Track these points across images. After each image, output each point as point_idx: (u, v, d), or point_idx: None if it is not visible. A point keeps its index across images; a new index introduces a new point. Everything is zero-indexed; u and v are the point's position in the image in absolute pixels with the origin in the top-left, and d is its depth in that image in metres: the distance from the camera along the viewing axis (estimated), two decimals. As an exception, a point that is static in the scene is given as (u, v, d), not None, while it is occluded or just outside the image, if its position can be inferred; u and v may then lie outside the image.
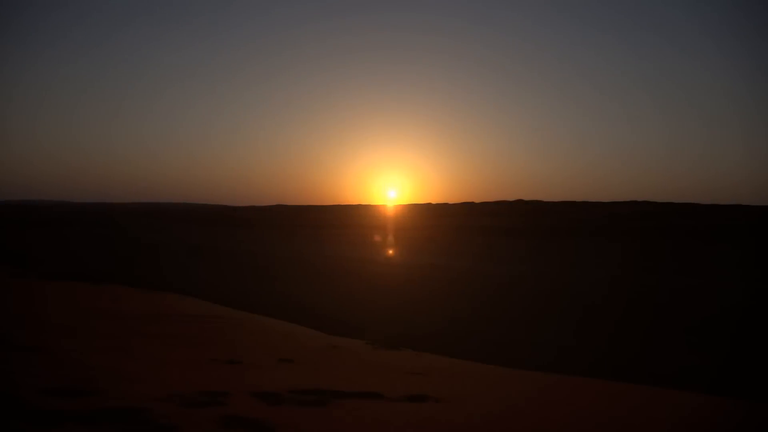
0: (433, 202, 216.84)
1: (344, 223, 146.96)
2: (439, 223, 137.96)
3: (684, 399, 10.01)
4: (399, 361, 11.75)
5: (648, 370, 16.32)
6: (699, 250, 73.78)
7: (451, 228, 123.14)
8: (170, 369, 7.73)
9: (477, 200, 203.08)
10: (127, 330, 12.82)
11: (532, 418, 6.68)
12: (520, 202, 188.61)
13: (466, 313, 26.23)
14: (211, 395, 5.82)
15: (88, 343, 9.45)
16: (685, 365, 17.20)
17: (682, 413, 8.40)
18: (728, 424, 8.26)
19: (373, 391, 7.28)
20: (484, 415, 6.54)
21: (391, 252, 66.28)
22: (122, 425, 4.40)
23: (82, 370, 6.40)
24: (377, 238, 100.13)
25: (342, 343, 15.15)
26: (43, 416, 4.34)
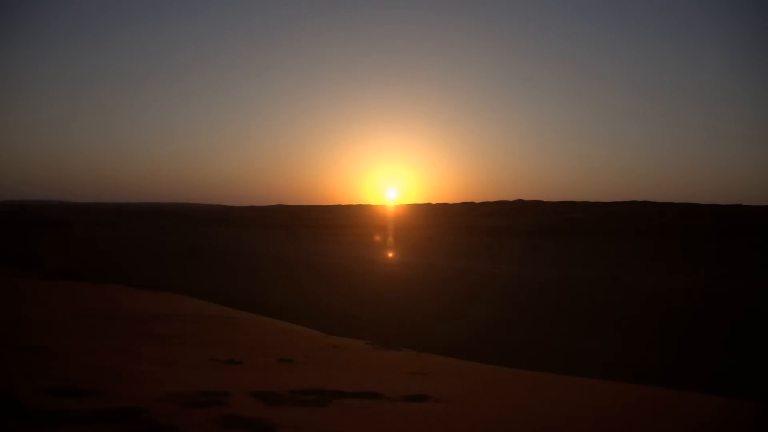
0: (433, 202, 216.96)
1: (344, 223, 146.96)
2: (438, 223, 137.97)
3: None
4: (399, 361, 11.75)
5: (658, 372, 16.32)
6: (699, 250, 73.78)
7: (451, 228, 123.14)
8: (170, 369, 7.72)
9: (477, 200, 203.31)
10: (126, 330, 12.81)
11: (533, 418, 6.67)
12: (519, 202, 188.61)
13: (466, 314, 26.22)
14: (211, 395, 5.81)
15: (88, 343, 9.44)
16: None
17: (694, 417, 8.39)
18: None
19: (373, 391, 7.27)
20: (484, 415, 6.54)
21: (391, 252, 66.31)
22: (122, 425, 4.40)
23: (82, 370, 6.40)
24: (377, 237, 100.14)
25: (342, 343, 15.15)
26: (43, 416, 4.34)
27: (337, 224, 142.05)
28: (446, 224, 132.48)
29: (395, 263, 53.88)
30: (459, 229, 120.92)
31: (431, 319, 24.34)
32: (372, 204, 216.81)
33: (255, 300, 27.84)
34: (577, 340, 20.80)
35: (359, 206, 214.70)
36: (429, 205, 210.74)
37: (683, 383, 13.55)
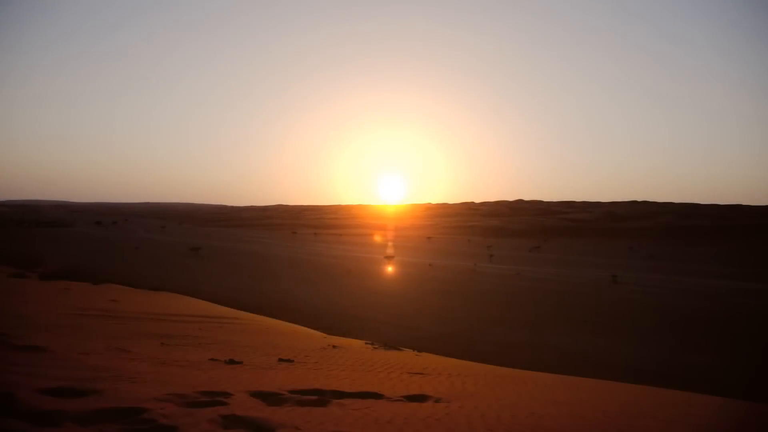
0: (433, 202, 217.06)
1: (344, 223, 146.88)
2: (438, 222, 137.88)
3: (693, 400, 10.01)
4: (399, 361, 11.75)
5: (658, 371, 16.33)
6: (697, 250, 73.74)
7: (451, 228, 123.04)
8: (170, 369, 7.72)
9: (477, 200, 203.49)
10: (126, 330, 12.81)
11: (533, 418, 6.67)
12: (519, 202, 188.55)
13: (466, 313, 26.23)
14: (211, 395, 5.81)
15: (87, 343, 9.44)
16: (693, 366, 17.18)
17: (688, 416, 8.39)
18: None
19: (373, 391, 7.27)
20: (484, 415, 6.54)
21: (390, 252, 66.27)
22: (122, 425, 4.40)
23: (82, 370, 6.40)
24: (377, 238, 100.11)
25: (342, 343, 15.15)
26: (43, 416, 4.34)
27: (337, 224, 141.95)
28: (446, 224, 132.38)
29: (395, 263, 53.86)
30: (459, 229, 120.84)
31: (431, 319, 24.34)
32: (372, 204, 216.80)
33: (255, 300, 27.84)
34: (577, 340, 20.79)
35: (359, 206, 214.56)
36: (429, 205, 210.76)
37: (683, 382, 13.56)
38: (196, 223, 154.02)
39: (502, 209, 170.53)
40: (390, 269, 48.30)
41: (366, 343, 15.81)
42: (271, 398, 6.14)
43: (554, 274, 44.70)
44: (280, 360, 10.14)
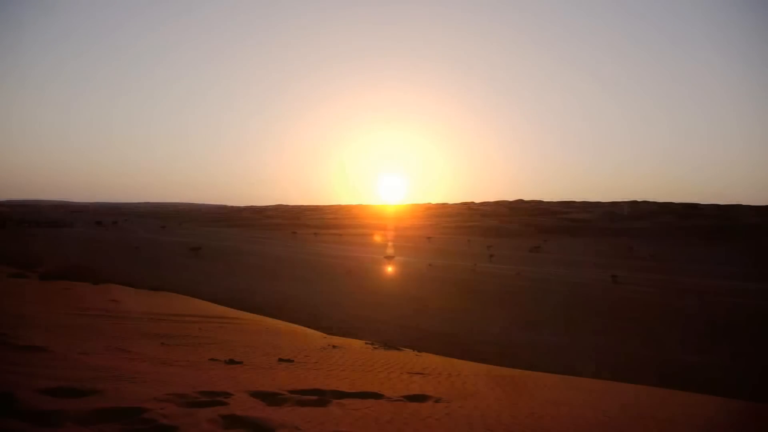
0: (433, 202, 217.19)
1: (344, 223, 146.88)
2: (438, 222, 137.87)
3: (691, 400, 10.01)
4: (399, 361, 11.75)
5: (657, 370, 16.33)
6: (698, 250, 73.72)
7: (451, 228, 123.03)
8: (170, 369, 7.71)
9: (476, 200, 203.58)
10: (126, 330, 12.81)
11: (533, 418, 6.67)
12: (519, 202, 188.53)
13: (466, 314, 26.22)
14: (211, 395, 5.81)
15: (87, 343, 9.43)
16: (690, 365, 17.18)
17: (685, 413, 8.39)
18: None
19: (373, 391, 7.27)
20: (484, 415, 6.54)
21: (390, 252, 66.26)
22: (122, 425, 4.39)
23: (82, 370, 6.39)
24: (377, 238, 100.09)
25: (342, 343, 15.15)
26: (43, 416, 4.34)
27: (337, 224, 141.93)
28: (446, 224, 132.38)
29: (395, 263, 53.85)
30: (459, 229, 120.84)
31: (431, 319, 24.34)
32: (372, 204, 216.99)
33: (255, 300, 27.84)
34: (577, 340, 20.79)
35: (359, 206, 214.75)
36: (429, 205, 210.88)
37: (683, 382, 13.56)
38: (196, 223, 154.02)
39: (502, 209, 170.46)
40: (390, 269, 48.28)
41: (366, 343, 15.80)
42: (271, 398, 6.14)
43: (554, 274, 44.69)
44: (280, 360, 10.14)
